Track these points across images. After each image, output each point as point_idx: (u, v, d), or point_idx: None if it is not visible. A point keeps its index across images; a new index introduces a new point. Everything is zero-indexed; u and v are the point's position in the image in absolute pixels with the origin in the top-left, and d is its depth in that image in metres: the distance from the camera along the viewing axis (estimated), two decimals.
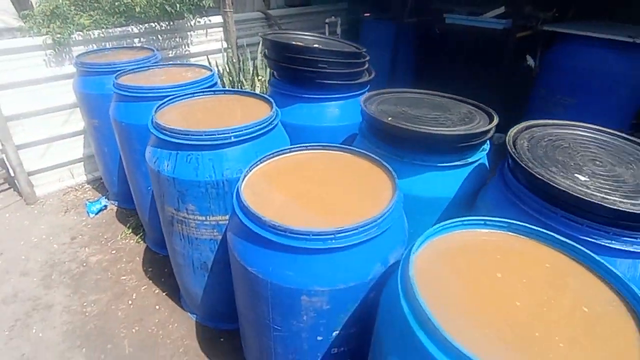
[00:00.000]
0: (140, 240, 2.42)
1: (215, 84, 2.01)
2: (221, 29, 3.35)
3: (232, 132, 1.36)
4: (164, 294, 2.06)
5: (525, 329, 0.75)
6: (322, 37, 2.19)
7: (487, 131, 1.39)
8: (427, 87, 1.78)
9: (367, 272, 1.04)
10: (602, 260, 0.88)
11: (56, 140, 2.81)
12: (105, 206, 2.73)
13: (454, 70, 3.01)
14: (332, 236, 0.98)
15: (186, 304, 1.95)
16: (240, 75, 2.97)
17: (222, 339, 1.80)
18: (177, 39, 3.14)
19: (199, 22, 3.16)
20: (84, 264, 2.26)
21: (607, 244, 1.01)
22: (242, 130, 1.37)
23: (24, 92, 2.60)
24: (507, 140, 1.25)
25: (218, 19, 3.27)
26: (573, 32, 2.36)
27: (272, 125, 1.47)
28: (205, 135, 1.36)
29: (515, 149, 1.20)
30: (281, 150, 1.37)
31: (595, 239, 1.01)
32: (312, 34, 2.15)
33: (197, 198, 1.43)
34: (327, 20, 3.51)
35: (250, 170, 1.27)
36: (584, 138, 1.36)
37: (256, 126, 1.40)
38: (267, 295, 1.09)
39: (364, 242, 1.01)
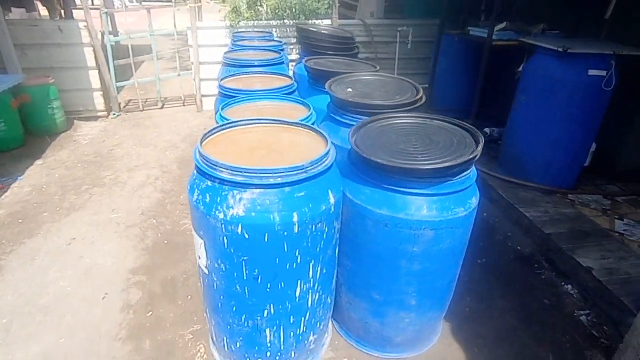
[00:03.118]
0: None
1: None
2: None
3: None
4: None
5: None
6: (334, 29, 3.45)
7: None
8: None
9: None
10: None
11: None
12: None
13: (471, 72, 3.63)
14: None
15: None
16: None
17: None
18: None
19: (314, 22, 4.79)
20: None
21: (343, 120, 2.01)
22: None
23: (210, 50, 4.80)
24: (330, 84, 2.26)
25: (328, 21, 4.82)
26: (530, 42, 2.79)
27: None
28: None
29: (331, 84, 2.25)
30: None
31: (339, 117, 2.03)
32: (329, 27, 3.44)
33: None
34: (399, 29, 4.56)
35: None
36: (388, 82, 2.25)
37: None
38: None
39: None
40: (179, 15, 4.89)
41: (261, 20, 4.75)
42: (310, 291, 1.48)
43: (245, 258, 1.32)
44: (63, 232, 2.61)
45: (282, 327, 1.50)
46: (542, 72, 2.73)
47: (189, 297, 2.12)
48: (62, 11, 7.03)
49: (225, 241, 1.31)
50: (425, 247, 1.49)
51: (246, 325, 1.48)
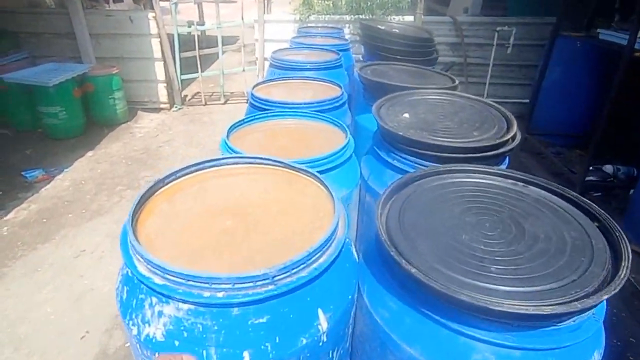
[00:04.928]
0: None
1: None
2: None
3: None
4: None
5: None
6: (409, 27, 2.74)
7: None
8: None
9: None
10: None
11: None
12: None
13: (595, 88, 2.65)
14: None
15: None
16: None
17: None
18: None
19: (393, 18, 4.11)
20: None
21: (389, 160, 1.41)
22: None
23: (276, 46, 4.41)
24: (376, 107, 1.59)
25: (410, 18, 4.10)
26: None
27: None
28: None
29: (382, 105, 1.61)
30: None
31: (385, 155, 1.42)
32: (405, 24, 2.75)
33: None
34: (497, 29, 3.63)
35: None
36: (465, 106, 1.56)
37: None
38: None
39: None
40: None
41: (335, 14, 4.22)
42: None
43: None
44: (77, 241, 2.41)
45: None
46: None
47: None
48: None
49: None
50: None
51: None
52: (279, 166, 1.13)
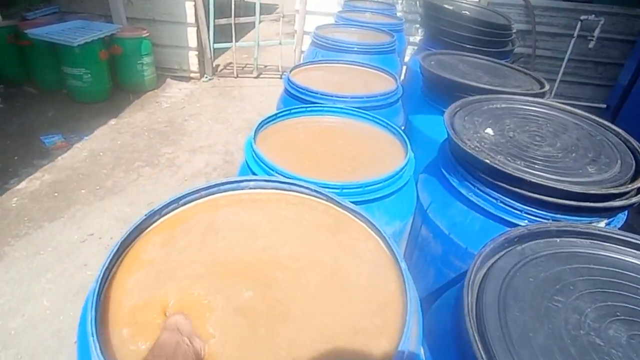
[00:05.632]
0: None
1: None
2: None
3: None
4: None
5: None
6: (481, 9, 2.28)
7: None
8: None
9: None
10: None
11: None
12: None
13: None
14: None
15: None
16: None
17: None
18: None
19: None
20: None
21: (464, 192, 1.05)
22: None
23: (317, 19, 4.01)
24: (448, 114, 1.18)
25: None
26: None
27: None
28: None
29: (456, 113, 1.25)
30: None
31: (458, 183, 1.07)
32: (474, 4, 2.30)
33: None
34: (582, 17, 3.05)
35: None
36: (568, 124, 1.17)
37: None
38: None
39: None
40: None
41: None
42: None
43: None
44: (85, 222, 2.21)
45: None
46: None
47: None
48: None
49: None
50: None
51: None
52: (321, 199, 0.82)
